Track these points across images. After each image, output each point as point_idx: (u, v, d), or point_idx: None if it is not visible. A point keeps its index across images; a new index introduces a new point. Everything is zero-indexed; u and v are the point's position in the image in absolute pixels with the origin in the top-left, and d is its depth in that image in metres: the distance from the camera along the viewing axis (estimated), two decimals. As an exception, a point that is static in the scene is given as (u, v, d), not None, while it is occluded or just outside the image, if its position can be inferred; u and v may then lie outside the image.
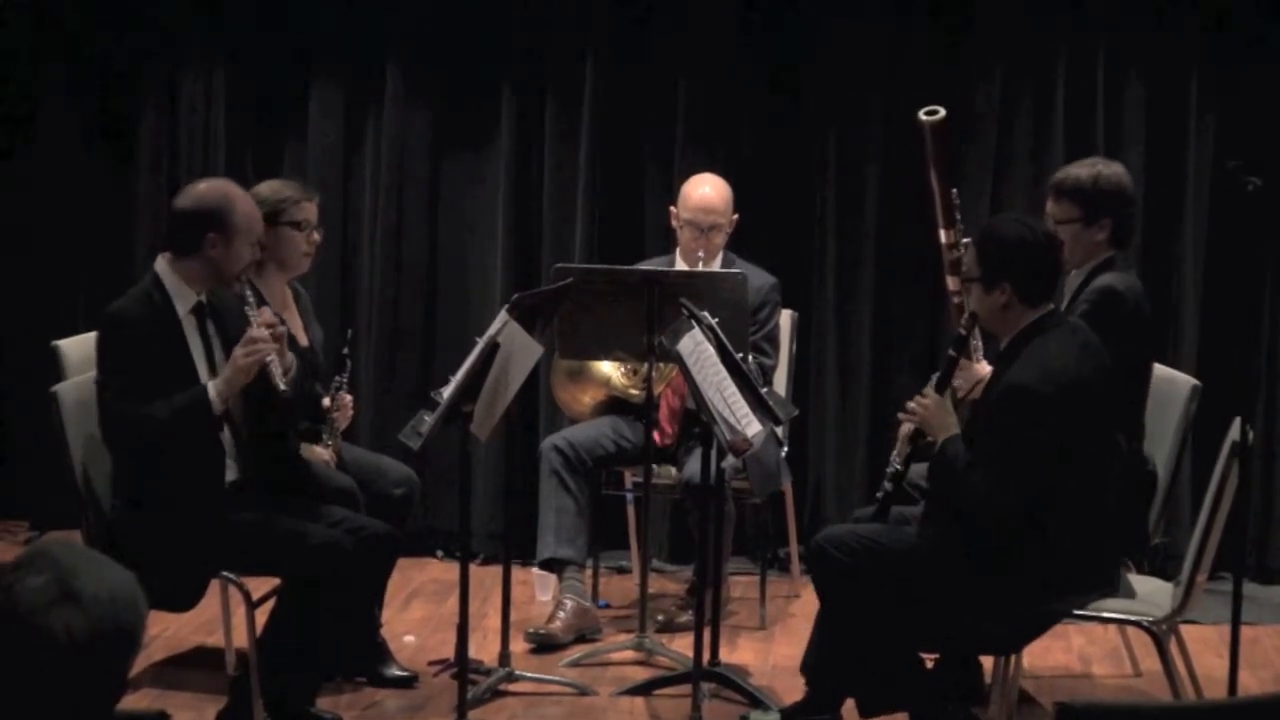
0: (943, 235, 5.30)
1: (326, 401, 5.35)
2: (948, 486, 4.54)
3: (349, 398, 5.39)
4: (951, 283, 5.23)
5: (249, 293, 4.78)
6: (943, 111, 5.33)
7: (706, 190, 5.99)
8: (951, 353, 4.73)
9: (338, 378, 5.34)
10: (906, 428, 4.73)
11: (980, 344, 5.07)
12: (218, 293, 4.84)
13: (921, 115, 5.35)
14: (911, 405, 4.68)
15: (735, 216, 6.02)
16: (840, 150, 6.79)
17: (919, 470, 4.91)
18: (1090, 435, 4.46)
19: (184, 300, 4.75)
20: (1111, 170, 5.13)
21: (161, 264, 4.78)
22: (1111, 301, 4.92)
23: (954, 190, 5.28)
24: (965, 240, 5.31)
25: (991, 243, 4.60)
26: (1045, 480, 4.38)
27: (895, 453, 4.78)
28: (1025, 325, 4.54)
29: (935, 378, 4.72)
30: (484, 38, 6.87)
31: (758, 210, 6.69)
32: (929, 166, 5.33)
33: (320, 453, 5.27)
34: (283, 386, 4.68)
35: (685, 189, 6.04)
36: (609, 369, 6.00)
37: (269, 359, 4.65)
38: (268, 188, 5.32)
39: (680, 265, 6.01)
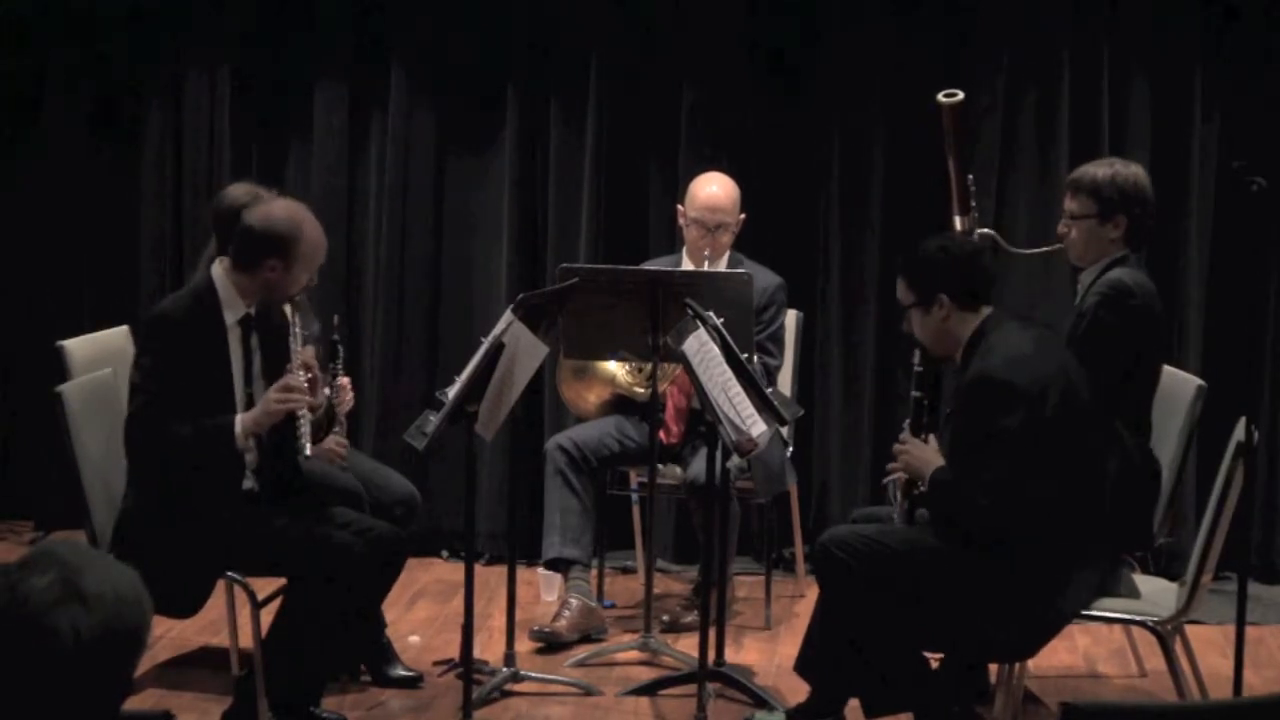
0: (957, 222, 5.30)
1: (326, 391, 5.31)
2: (950, 515, 4.54)
3: (347, 380, 5.34)
4: None
5: (296, 318, 4.77)
6: (961, 94, 5.33)
7: (714, 189, 5.99)
8: (915, 393, 4.75)
9: (332, 365, 5.28)
10: (899, 479, 4.73)
11: None
12: (265, 306, 4.81)
13: (940, 97, 5.35)
14: (894, 462, 4.70)
15: (743, 216, 6.02)
16: (844, 150, 6.78)
17: None
18: (1064, 421, 4.44)
19: (233, 310, 4.74)
20: (1130, 171, 5.13)
21: (218, 270, 4.77)
22: (1121, 294, 4.92)
23: (970, 176, 5.28)
24: (982, 231, 5.31)
25: (916, 263, 4.65)
26: (1034, 467, 4.37)
27: (895, 511, 4.78)
28: (972, 333, 4.56)
29: (907, 423, 4.74)
30: (488, 38, 6.87)
31: (762, 210, 6.69)
32: (946, 150, 5.32)
33: (328, 442, 5.21)
34: (308, 452, 4.68)
35: (693, 187, 6.04)
36: (614, 367, 6.01)
37: (301, 414, 4.65)
38: (244, 192, 5.19)
39: (687, 264, 6.02)
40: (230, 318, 4.73)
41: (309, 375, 4.73)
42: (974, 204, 5.30)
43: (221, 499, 4.69)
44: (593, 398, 6.08)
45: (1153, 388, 5.05)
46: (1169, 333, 6.22)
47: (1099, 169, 5.13)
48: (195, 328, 4.66)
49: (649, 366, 5.59)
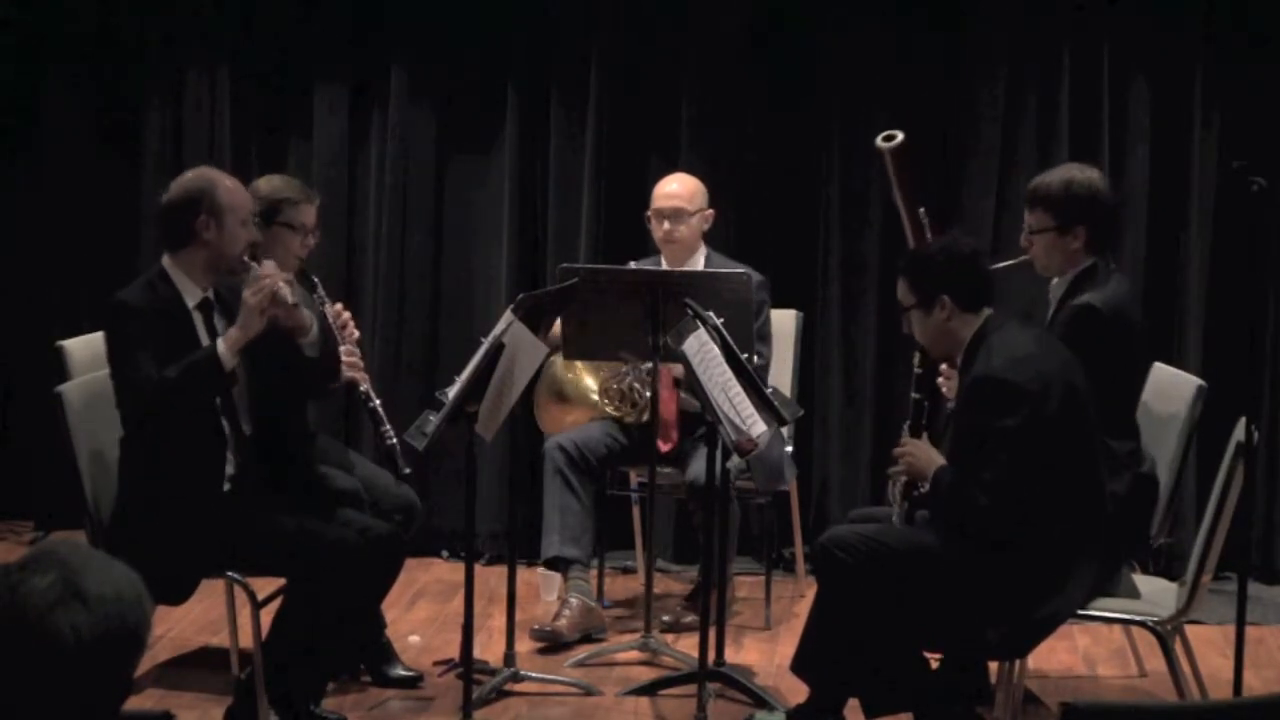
0: None
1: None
2: (951, 514, 4.54)
3: (339, 305, 5.25)
4: None
5: (251, 262, 4.76)
6: (900, 135, 5.26)
7: (674, 185, 6.05)
8: (915, 395, 4.75)
9: (316, 296, 5.22)
10: (899, 483, 4.73)
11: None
12: (224, 287, 4.82)
13: (879, 141, 5.29)
14: (895, 466, 4.70)
15: (710, 211, 6.03)
16: (844, 150, 6.78)
17: None
18: (1065, 418, 4.45)
19: (191, 295, 4.74)
20: (1084, 176, 5.03)
21: (167, 261, 4.78)
22: (1087, 320, 4.83)
23: (921, 209, 5.23)
24: None
25: (918, 263, 4.66)
26: (1035, 467, 4.37)
27: (895, 513, 4.78)
28: (973, 335, 4.57)
29: (907, 425, 4.73)
30: (488, 38, 6.87)
31: (762, 211, 6.70)
32: (893, 190, 5.29)
33: (342, 359, 5.17)
34: (291, 300, 4.64)
35: (655, 186, 6.08)
36: (594, 397, 6.02)
37: (278, 288, 4.62)
38: (268, 184, 5.28)
39: (665, 266, 6.02)
40: (190, 302, 4.73)
41: (271, 274, 4.69)
42: (929, 235, 5.21)
43: (206, 481, 4.68)
44: (574, 418, 6.07)
45: (1137, 394, 5.03)
46: (1162, 333, 6.19)
47: (1053, 179, 5.04)
48: (157, 313, 4.66)
49: (628, 394, 5.73)
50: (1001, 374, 4.42)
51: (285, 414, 4.95)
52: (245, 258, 4.76)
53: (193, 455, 4.69)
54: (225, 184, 4.78)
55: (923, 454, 4.62)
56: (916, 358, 4.76)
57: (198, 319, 4.75)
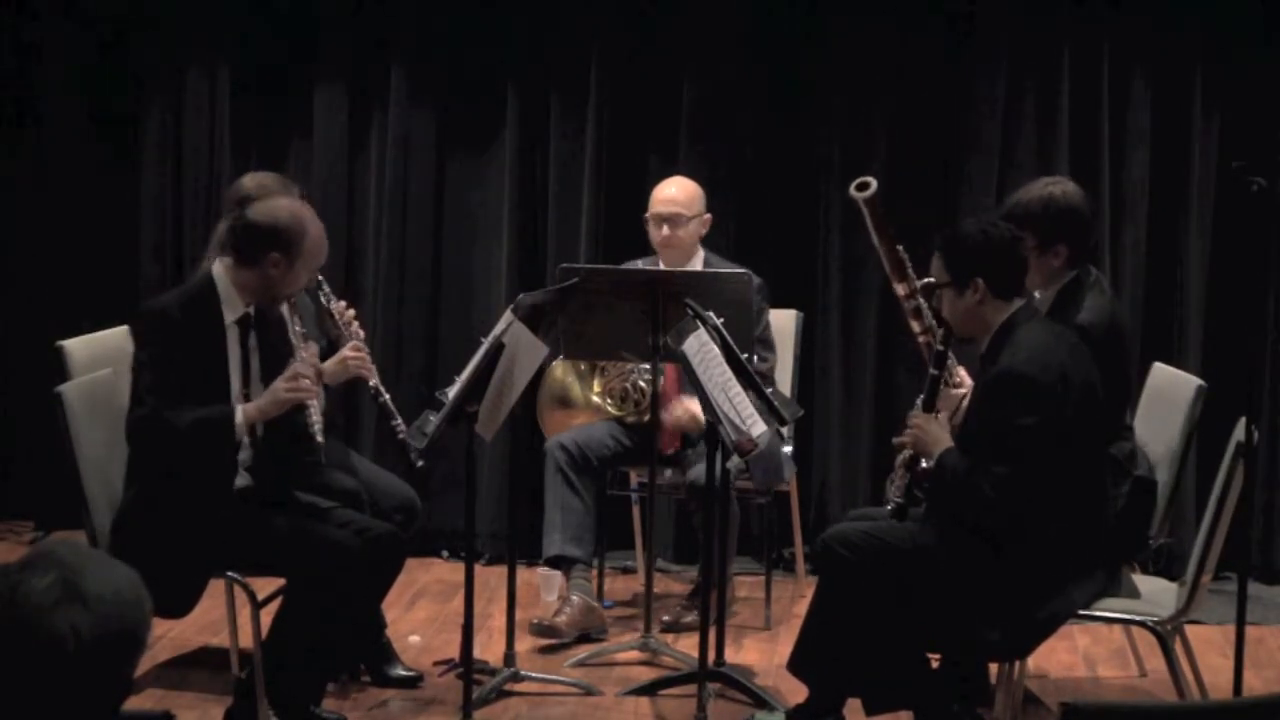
0: (899, 289, 5.20)
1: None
2: (953, 499, 4.54)
3: (342, 303, 5.31)
4: (916, 325, 5.16)
5: (296, 319, 4.76)
6: (873, 183, 5.22)
7: (672, 190, 6.04)
8: (933, 371, 4.72)
9: (322, 300, 5.26)
10: (903, 455, 4.72)
11: (956, 365, 5.00)
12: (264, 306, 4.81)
13: (853, 191, 5.24)
14: (902, 436, 4.68)
15: (707, 216, 6.03)
16: (844, 150, 6.78)
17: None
18: (1082, 419, 4.45)
19: (232, 309, 4.73)
20: (1062, 191, 4.99)
21: (219, 268, 4.76)
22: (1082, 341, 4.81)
23: (899, 247, 5.19)
24: (923, 281, 5.12)
25: (956, 243, 4.62)
26: (1048, 467, 4.37)
27: (893, 486, 4.77)
28: (1002, 322, 4.55)
29: (920, 399, 4.72)
30: (488, 37, 6.87)
31: (762, 210, 6.70)
32: (871, 235, 5.24)
33: (341, 354, 5.18)
34: (320, 439, 4.68)
35: (654, 190, 6.07)
36: (597, 400, 6.02)
37: (310, 403, 4.66)
38: (252, 180, 5.25)
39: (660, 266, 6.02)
40: (229, 316, 4.73)
41: (314, 368, 4.73)
42: (910, 270, 5.16)
43: (215, 496, 4.68)
44: (575, 425, 6.07)
45: (1125, 397, 5.03)
46: (1136, 337, 6.16)
47: (1032, 198, 4.97)
48: (193, 325, 4.66)
49: (631, 394, 5.71)
50: (1023, 369, 4.41)
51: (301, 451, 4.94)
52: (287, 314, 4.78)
53: (205, 470, 4.69)
54: (313, 232, 4.77)
55: (933, 430, 4.60)
56: (941, 333, 4.73)
57: (233, 334, 4.74)
